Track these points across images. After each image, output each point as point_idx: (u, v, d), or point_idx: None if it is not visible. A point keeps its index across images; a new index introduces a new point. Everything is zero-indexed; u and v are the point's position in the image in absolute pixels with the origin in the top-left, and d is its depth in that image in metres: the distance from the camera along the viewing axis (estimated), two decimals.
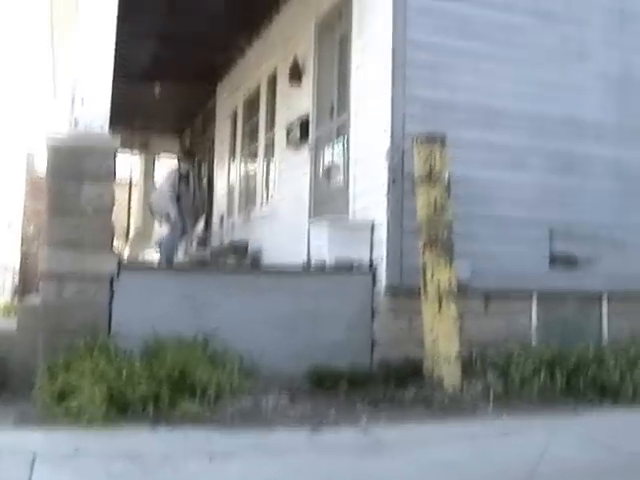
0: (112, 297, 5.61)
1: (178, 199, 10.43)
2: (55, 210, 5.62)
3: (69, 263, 5.50)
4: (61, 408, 4.57)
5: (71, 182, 5.61)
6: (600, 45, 7.18)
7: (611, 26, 7.26)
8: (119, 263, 5.75)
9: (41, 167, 10.16)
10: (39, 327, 5.39)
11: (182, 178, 10.60)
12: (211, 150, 14.75)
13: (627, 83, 7.27)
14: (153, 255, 16.35)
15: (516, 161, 6.73)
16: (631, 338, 6.44)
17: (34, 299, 6.40)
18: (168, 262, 9.82)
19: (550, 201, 6.84)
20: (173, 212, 10.15)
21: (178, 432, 4.44)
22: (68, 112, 6.09)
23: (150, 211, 10.87)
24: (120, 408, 4.59)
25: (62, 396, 4.64)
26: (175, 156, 11.95)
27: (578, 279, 6.90)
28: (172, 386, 4.75)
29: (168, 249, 10.30)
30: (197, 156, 16.90)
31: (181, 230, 10.57)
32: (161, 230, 11.26)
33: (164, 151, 19.91)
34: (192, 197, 10.96)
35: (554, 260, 6.84)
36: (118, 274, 5.66)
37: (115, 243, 7.39)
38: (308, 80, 8.97)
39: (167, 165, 11.52)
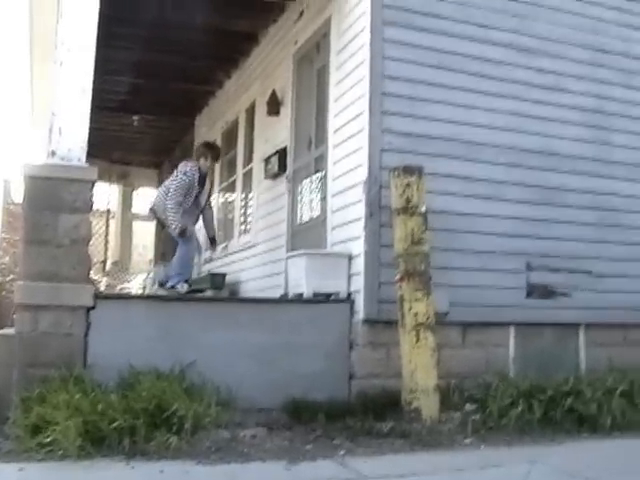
0: (88, 328, 5.57)
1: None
2: (31, 240, 5.58)
3: (45, 294, 5.46)
4: (35, 442, 4.51)
5: (48, 213, 5.59)
6: (575, 79, 7.29)
7: (586, 60, 7.37)
8: (96, 294, 5.72)
9: (18, 196, 10.01)
10: (14, 359, 5.34)
11: (200, 180, 8.50)
12: None
13: (601, 116, 7.37)
14: (135, 285, 16.31)
15: (493, 193, 6.78)
16: (608, 368, 6.46)
17: (9, 331, 6.34)
18: (184, 281, 8.17)
19: (527, 232, 6.88)
20: (183, 223, 8.09)
21: (154, 465, 4.39)
22: (46, 142, 6.06)
23: (154, 216, 8.69)
24: (95, 441, 4.54)
25: (36, 430, 4.59)
26: (198, 149, 9.17)
27: (555, 310, 6.93)
28: (148, 419, 4.71)
29: (183, 267, 8.38)
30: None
31: (197, 243, 8.79)
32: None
33: (142, 183, 19.91)
34: (204, 206, 8.91)
35: (531, 291, 6.88)
36: (94, 305, 5.62)
37: (92, 274, 7.33)
38: (286, 112, 9.01)
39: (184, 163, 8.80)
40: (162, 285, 8.33)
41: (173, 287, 8.03)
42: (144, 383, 5.04)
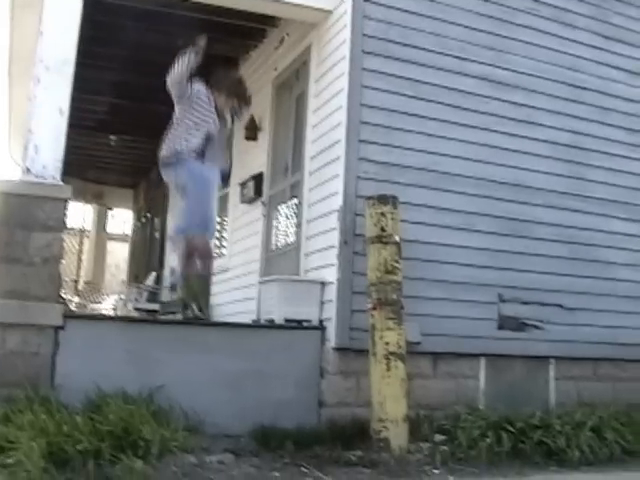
0: (57, 348, 5.50)
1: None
2: (1, 258, 5.53)
3: (13, 313, 5.39)
4: None
5: (19, 230, 5.54)
6: (551, 113, 7.37)
7: (562, 96, 7.46)
8: (65, 314, 5.66)
9: None
10: None
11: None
12: (164, 205, 14.72)
13: (576, 151, 7.45)
14: (107, 306, 16.20)
15: (466, 224, 6.82)
16: (578, 403, 6.49)
17: None
18: (201, 234, 6.43)
19: (499, 264, 6.91)
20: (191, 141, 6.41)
21: None
22: (21, 159, 6.03)
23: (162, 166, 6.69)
24: (59, 464, 4.45)
25: None
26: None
27: (526, 342, 6.95)
28: (114, 442, 4.64)
29: (194, 213, 6.43)
30: (152, 210, 16.91)
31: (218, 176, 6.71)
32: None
33: (118, 203, 19.86)
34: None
35: (503, 323, 6.89)
36: (64, 325, 5.56)
37: (63, 294, 7.26)
38: (264, 138, 9.04)
39: None
40: (173, 288, 6.91)
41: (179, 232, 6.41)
42: (111, 406, 4.97)
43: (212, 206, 6.61)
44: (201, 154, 6.49)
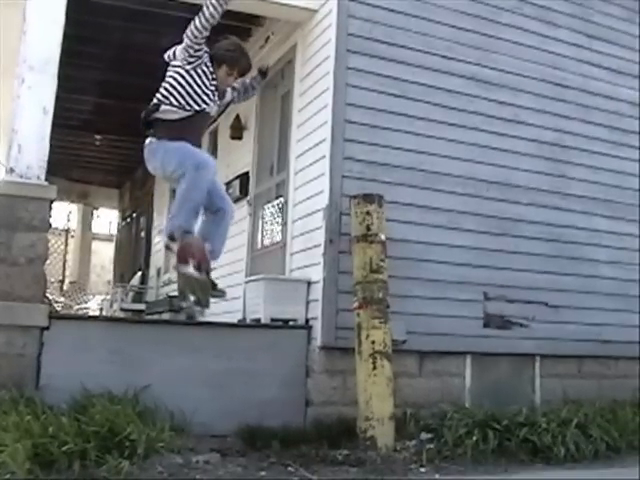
0: (42, 349, 5.48)
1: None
2: None
3: None
4: None
5: (3, 230, 5.52)
6: (534, 112, 7.40)
7: (545, 94, 7.49)
8: (50, 314, 5.63)
9: None
10: None
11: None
12: (150, 204, 14.70)
13: (560, 149, 7.48)
14: (93, 306, 16.15)
15: (452, 222, 6.83)
16: (563, 400, 6.52)
17: None
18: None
19: (485, 263, 6.93)
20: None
21: None
22: (5, 158, 6.00)
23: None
24: (45, 465, 4.44)
25: None
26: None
27: (512, 340, 6.97)
28: (100, 442, 4.63)
29: (181, 204, 5.50)
30: (137, 210, 16.86)
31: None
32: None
33: (103, 203, 19.81)
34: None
35: (488, 321, 6.91)
36: (49, 326, 5.54)
37: (49, 294, 7.23)
38: (249, 137, 9.03)
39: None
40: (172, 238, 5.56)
41: (171, 236, 5.52)
42: (97, 406, 4.96)
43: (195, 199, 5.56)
44: (190, 131, 5.68)
